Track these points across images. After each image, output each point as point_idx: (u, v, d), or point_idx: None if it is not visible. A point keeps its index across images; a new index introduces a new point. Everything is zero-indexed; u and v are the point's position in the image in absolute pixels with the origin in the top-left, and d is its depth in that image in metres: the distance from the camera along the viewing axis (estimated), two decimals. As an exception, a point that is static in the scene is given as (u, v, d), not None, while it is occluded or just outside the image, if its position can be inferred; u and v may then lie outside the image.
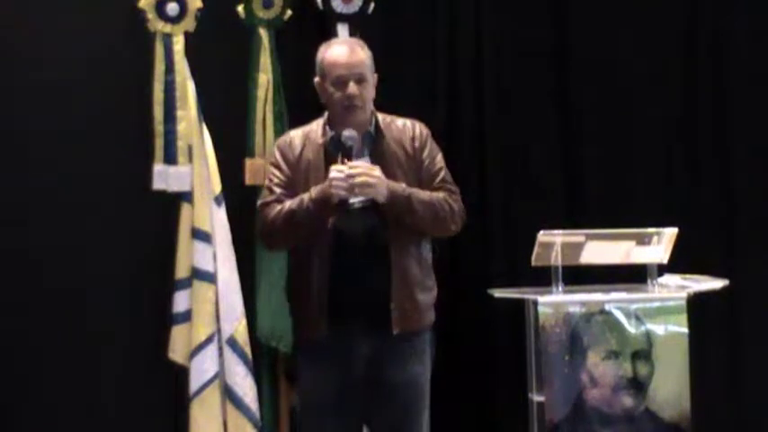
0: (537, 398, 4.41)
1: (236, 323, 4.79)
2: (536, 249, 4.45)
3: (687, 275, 4.67)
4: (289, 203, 3.70)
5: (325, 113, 3.86)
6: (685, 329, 4.41)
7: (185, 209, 4.80)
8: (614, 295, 4.43)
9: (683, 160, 5.41)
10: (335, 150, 3.72)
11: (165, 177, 4.81)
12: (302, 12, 5.06)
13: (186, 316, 4.75)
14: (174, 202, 4.81)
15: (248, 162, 4.93)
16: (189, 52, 4.86)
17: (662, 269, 4.64)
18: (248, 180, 4.92)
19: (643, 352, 4.37)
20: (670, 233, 4.56)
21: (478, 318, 5.08)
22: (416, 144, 3.82)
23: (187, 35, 4.87)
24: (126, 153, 4.86)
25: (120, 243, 4.85)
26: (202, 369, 4.71)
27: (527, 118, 5.32)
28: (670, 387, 4.39)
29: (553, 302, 4.36)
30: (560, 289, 4.44)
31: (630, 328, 4.38)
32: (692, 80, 5.44)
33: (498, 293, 4.57)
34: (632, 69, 5.38)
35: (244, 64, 4.95)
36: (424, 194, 3.73)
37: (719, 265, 5.17)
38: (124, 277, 4.85)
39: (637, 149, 5.38)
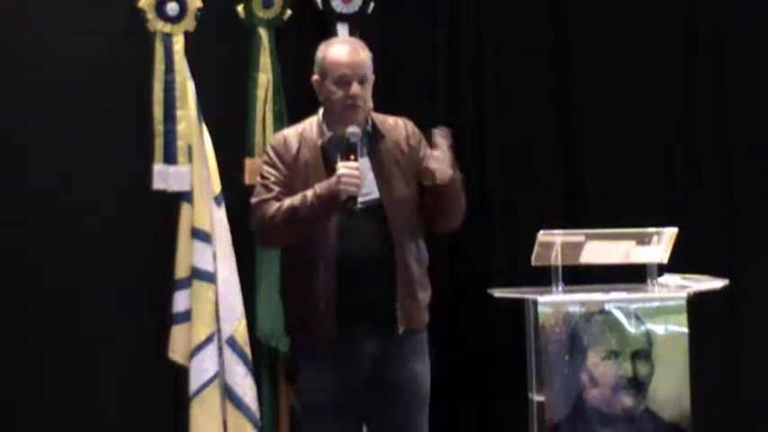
0: (537, 398, 4.41)
1: (236, 323, 4.80)
2: (536, 249, 4.45)
3: (687, 275, 4.67)
4: (289, 200, 3.69)
5: (320, 112, 3.85)
6: (685, 329, 4.42)
7: (185, 209, 4.81)
8: (614, 295, 4.43)
9: (683, 160, 5.41)
10: (336, 150, 3.72)
11: (165, 177, 4.81)
12: (302, 12, 5.06)
13: (186, 316, 4.75)
14: (174, 202, 4.82)
15: (248, 162, 4.93)
16: (189, 52, 4.86)
17: (662, 269, 4.64)
18: (248, 180, 4.92)
19: (643, 352, 4.38)
20: (670, 233, 4.56)
21: (478, 318, 5.07)
22: (412, 142, 3.82)
23: (187, 35, 4.87)
24: (126, 153, 4.86)
25: (120, 243, 4.85)
26: (202, 369, 4.72)
27: (527, 118, 5.32)
28: (670, 387, 4.39)
29: (553, 302, 4.36)
30: (560, 289, 4.44)
31: (630, 327, 4.38)
32: (692, 80, 5.44)
33: (498, 293, 4.57)
34: (632, 69, 5.38)
35: (244, 64, 4.95)
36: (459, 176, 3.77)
37: (719, 265, 5.17)
38: (124, 277, 4.85)
39: (637, 149, 5.38)
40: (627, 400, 4.36)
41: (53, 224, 4.80)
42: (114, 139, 4.86)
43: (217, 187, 4.85)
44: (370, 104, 3.84)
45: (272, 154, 3.81)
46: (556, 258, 4.44)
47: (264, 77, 4.95)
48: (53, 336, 4.77)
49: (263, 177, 3.80)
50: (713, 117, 5.44)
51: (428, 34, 5.27)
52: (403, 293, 3.71)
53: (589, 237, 4.51)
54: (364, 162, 3.69)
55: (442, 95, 5.25)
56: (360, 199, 3.64)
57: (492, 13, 5.28)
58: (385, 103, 3.98)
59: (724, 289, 4.69)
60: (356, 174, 3.59)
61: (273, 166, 3.78)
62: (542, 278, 4.49)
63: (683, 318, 4.42)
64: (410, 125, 3.87)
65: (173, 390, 4.78)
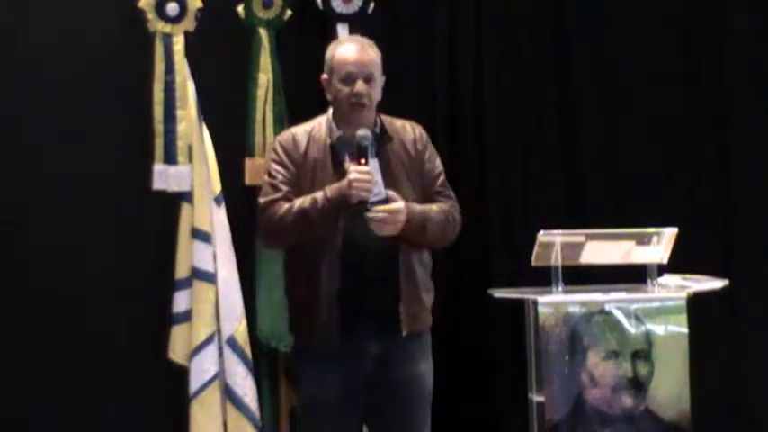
0: (537, 398, 4.41)
1: (236, 323, 4.80)
2: (536, 249, 4.45)
3: (687, 275, 4.66)
4: (299, 202, 3.67)
5: (329, 111, 3.85)
6: (685, 329, 4.41)
7: (185, 209, 4.81)
8: (614, 295, 4.43)
9: (683, 160, 5.41)
10: (344, 149, 3.71)
11: (165, 177, 4.81)
12: (302, 12, 5.06)
13: (186, 316, 4.76)
14: (174, 202, 4.82)
15: (248, 162, 4.93)
16: (189, 52, 4.86)
17: (662, 269, 4.64)
18: (248, 180, 4.92)
19: (643, 352, 4.37)
20: (670, 233, 4.56)
21: (478, 318, 5.07)
22: (419, 146, 3.82)
23: (187, 35, 4.87)
24: (126, 153, 4.86)
25: (120, 243, 4.85)
26: (202, 369, 4.72)
27: (527, 117, 5.32)
28: (670, 387, 4.38)
29: (553, 302, 4.35)
30: (560, 289, 4.43)
31: (630, 328, 4.38)
32: (693, 80, 5.44)
33: (498, 293, 4.57)
34: (632, 69, 5.38)
35: (244, 64, 4.95)
36: (434, 212, 3.73)
37: (719, 265, 5.17)
38: (124, 277, 4.85)
39: (637, 149, 5.38)
40: (627, 401, 4.35)
41: (53, 224, 4.80)
42: (114, 139, 4.86)
43: (217, 187, 4.85)
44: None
45: (280, 152, 3.80)
46: (556, 258, 4.44)
47: (264, 77, 4.95)
48: (53, 336, 4.77)
49: (270, 176, 3.79)
50: (713, 117, 5.44)
51: (428, 34, 5.26)
52: (407, 295, 3.71)
53: (589, 237, 4.51)
54: (373, 163, 3.68)
55: (442, 95, 5.25)
56: (377, 200, 3.64)
57: (492, 14, 5.28)
58: (385, 102, 3.98)
59: (724, 289, 4.68)
60: (368, 178, 3.59)
61: (282, 164, 3.78)
62: (542, 278, 4.49)
63: (683, 318, 4.41)
64: (418, 129, 3.87)
65: (173, 390, 4.78)
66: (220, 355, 4.77)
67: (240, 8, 4.97)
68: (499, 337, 5.16)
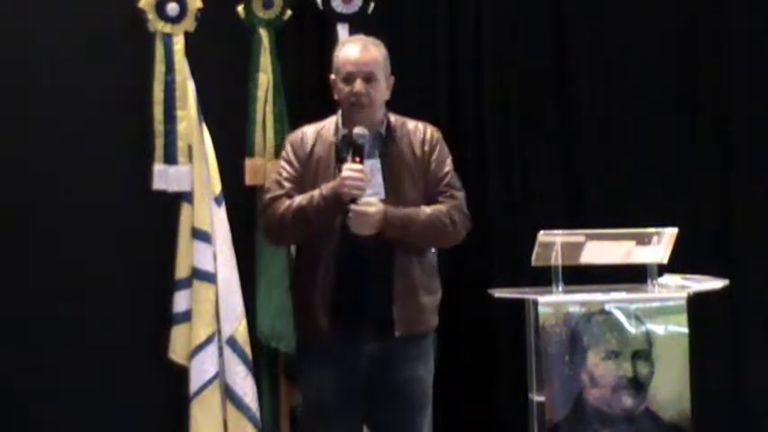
0: (537, 398, 4.41)
1: (236, 323, 4.80)
2: (536, 249, 4.45)
3: (687, 275, 4.66)
4: (299, 199, 3.70)
5: (339, 111, 3.86)
6: (685, 329, 4.41)
7: (185, 209, 4.81)
8: (614, 295, 4.43)
9: (683, 160, 5.41)
10: (345, 148, 3.72)
11: (165, 177, 4.81)
12: (302, 12, 5.06)
13: (186, 316, 4.75)
14: (174, 202, 4.82)
15: (248, 162, 4.93)
16: (189, 52, 4.86)
17: (662, 269, 4.64)
18: (248, 180, 4.92)
19: (643, 352, 4.37)
20: (670, 233, 4.56)
21: (478, 318, 5.07)
22: (426, 147, 3.81)
23: (187, 35, 4.87)
24: (126, 153, 4.86)
25: (120, 243, 4.85)
26: (202, 369, 4.72)
27: (527, 118, 5.32)
28: (670, 387, 4.38)
29: (553, 302, 4.35)
30: (560, 289, 4.44)
31: (630, 328, 4.38)
32: (693, 80, 5.44)
33: (498, 293, 4.57)
34: (632, 69, 5.38)
35: (244, 64, 4.95)
36: (424, 215, 3.72)
37: (719, 265, 5.17)
38: (124, 277, 4.85)
39: (637, 149, 5.38)
40: (627, 401, 4.35)
41: (53, 224, 4.80)
42: (114, 139, 4.86)
43: (217, 187, 4.85)
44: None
45: (288, 149, 3.84)
46: (556, 258, 4.44)
47: (264, 77, 4.95)
48: (53, 335, 4.77)
49: (278, 173, 3.83)
50: (713, 117, 5.44)
51: (428, 34, 5.26)
52: (402, 296, 3.70)
53: (589, 237, 4.51)
54: (374, 163, 3.69)
55: (441, 95, 5.25)
56: (370, 199, 3.64)
57: (492, 14, 5.28)
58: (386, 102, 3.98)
59: (724, 289, 4.68)
60: (360, 176, 3.59)
61: (288, 161, 3.81)
62: (542, 278, 4.49)
63: (683, 318, 4.41)
64: (430, 130, 3.86)
65: (173, 390, 4.78)
66: (220, 355, 4.77)
67: (240, 8, 4.97)
68: (499, 337, 5.16)
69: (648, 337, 4.38)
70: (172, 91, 4.83)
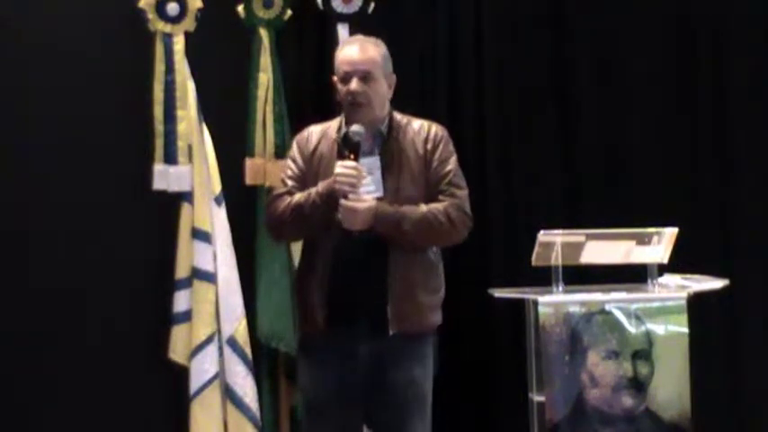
0: (537, 398, 4.41)
1: (236, 323, 4.80)
2: (536, 249, 4.45)
3: (687, 275, 4.66)
4: (298, 196, 3.73)
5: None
6: (685, 329, 4.41)
7: (185, 209, 4.81)
8: (614, 295, 4.42)
9: (683, 160, 5.41)
10: (344, 146, 3.73)
11: (165, 177, 4.82)
12: (302, 12, 5.07)
13: (186, 316, 4.76)
14: (175, 202, 4.82)
15: (248, 162, 4.93)
16: (189, 52, 4.86)
17: (662, 269, 4.64)
18: (248, 180, 4.93)
19: (643, 352, 4.37)
20: (670, 233, 4.56)
21: (478, 318, 5.07)
22: (429, 146, 3.81)
23: (187, 35, 4.88)
24: (126, 153, 4.86)
25: (120, 243, 4.85)
26: (202, 369, 4.73)
27: (527, 118, 5.32)
28: (670, 387, 4.38)
29: (553, 302, 4.35)
30: (560, 289, 4.43)
31: (631, 327, 4.38)
32: (692, 80, 5.44)
33: (498, 293, 4.56)
34: (632, 69, 5.38)
35: (244, 64, 4.96)
36: (418, 213, 3.71)
37: (719, 265, 5.17)
38: (124, 277, 4.85)
39: (637, 149, 5.38)
40: (627, 401, 4.35)
41: (53, 224, 4.80)
42: (114, 139, 4.86)
43: (217, 187, 4.85)
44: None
45: (294, 148, 3.88)
46: (556, 258, 4.43)
47: (265, 77, 4.95)
48: (53, 336, 4.77)
49: (283, 172, 3.87)
50: (713, 117, 5.44)
51: (428, 34, 5.26)
52: (397, 295, 3.69)
53: (589, 237, 4.51)
54: (373, 161, 3.69)
55: (441, 95, 5.25)
56: (365, 197, 3.64)
57: (492, 13, 5.28)
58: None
59: (724, 289, 4.68)
60: (353, 173, 3.60)
61: (293, 160, 3.84)
62: (542, 278, 4.48)
63: (683, 318, 4.41)
64: (434, 128, 3.85)
65: (173, 390, 4.78)
66: (220, 355, 4.77)
67: (240, 8, 4.97)
68: (499, 337, 5.15)
69: (648, 337, 4.38)
70: (172, 91, 4.83)
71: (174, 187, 4.82)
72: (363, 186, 3.65)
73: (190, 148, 4.83)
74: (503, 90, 5.29)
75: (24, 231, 4.77)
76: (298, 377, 3.93)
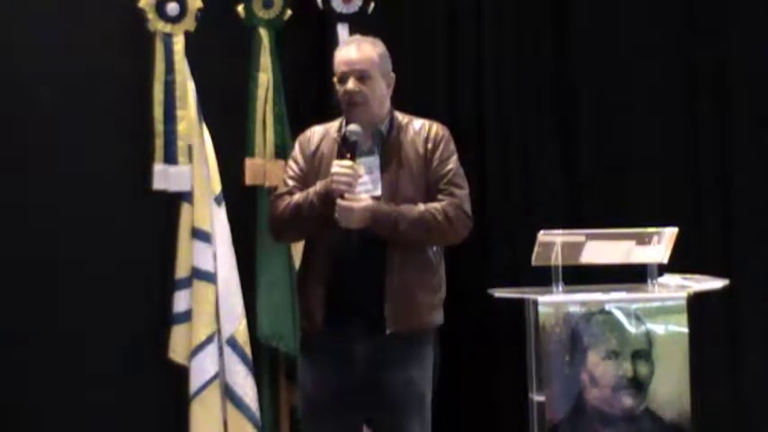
0: (537, 398, 4.41)
1: (236, 323, 4.80)
2: (536, 249, 4.45)
3: (687, 275, 4.66)
4: (297, 196, 3.73)
5: None
6: (685, 329, 4.41)
7: (185, 209, 4.81)
8: (614, 295, 4.43)
9: (683, 160, 5.41)
10: (342, 146, 3.73)
11: (165, 177, 4.82)
12: (302, 12, 5.06)
13: (186, 316, 4.76)
14: (175, 202, 4.82)
15: (248, 162, 4.93)
16: (189, 52, 4.86)
17: (662, 269, 4.64)
18: (248, 180, 4.93)
19: (643, 352, 4.37)
20: (670, 233, 4.56)
21: (478, 318, 5.07)
22: (429, 145, 3.80)
23: (187, 35, 4.88)
24: (126, 153, 4.86)
25: (120, 243, 4.85)
26: (202, 369, 4.73)
27: (527, 118, 5.32)
28: (670, 387, 4.38)
29: (553, 302, 4.35)
30: (560, 289, 4.44)
31: (630, 327, 4.38)
32: (693, 80, 5.44)
33: (498, 293, 4.57)
34: (632, 69, 5.38)
35: (244, 64, 4.96)
36: (416, 212, 3.70)
37: (719, 265, 5.17)
38: (124, 277, 4.85)
39: (637, 149, 5.38)
40: (627, 401, 4.35)
41: (53, 224, 4.80)
42: (114, 139, 4.86)
43: (217, 187, 4.85)
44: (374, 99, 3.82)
45: (296, 148, 3.88)
46: (556, 258, 4.44)
47: (265, 77, 4.96)
48: (53, 336, 4.77)
49: (285, 172, 3.87)
50: (713, 117, 5.44)
51: (428, 34, 5.26)
52: (394, 294, 3.68)
53: (589, 237, 4.51)
54: (372, 160, 3.68)
55: (441, 95, 5.25)
56: (362, 196, 3.64)
57: (492, 13, 5.28)
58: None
59: (724, 289, 4.68)
60: (348, 172, 3.60)
61: (295, 160, 3.85)
62: (542, 278, 4.49)
63: (683, 318, 4.42)
64: (435, 128, 3.83)
65: (173, 390, 4.78)
66: (220, 355, 4.78)
67: (240, 8, 4.97)
68: (499, 337, 5.15)
69: (648, 336, 4.39)
70: (172, 91, 4.83)
71: (173, 187, 4.82)
72: (361, 185, 3.65)
73: (190, 148, 4.83)
74: (502, 90, 5.29)
75: (24, 231, 4.77)
76: (298, 377, 3.93)
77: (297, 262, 4.35)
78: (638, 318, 4.38)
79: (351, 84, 3.72)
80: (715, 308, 5.15)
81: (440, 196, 3.75)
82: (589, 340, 4.35)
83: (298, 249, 4.28)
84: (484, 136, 5.25)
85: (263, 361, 4.92)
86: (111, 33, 4.88)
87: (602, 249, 4.53)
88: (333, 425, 3.76)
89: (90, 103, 4.84)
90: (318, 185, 3.68)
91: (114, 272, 4.84)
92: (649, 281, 4.58)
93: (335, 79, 3.79)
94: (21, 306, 4.75)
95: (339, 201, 3.61)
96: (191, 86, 4.85)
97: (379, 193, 3.69)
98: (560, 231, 4.49)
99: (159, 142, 4.82)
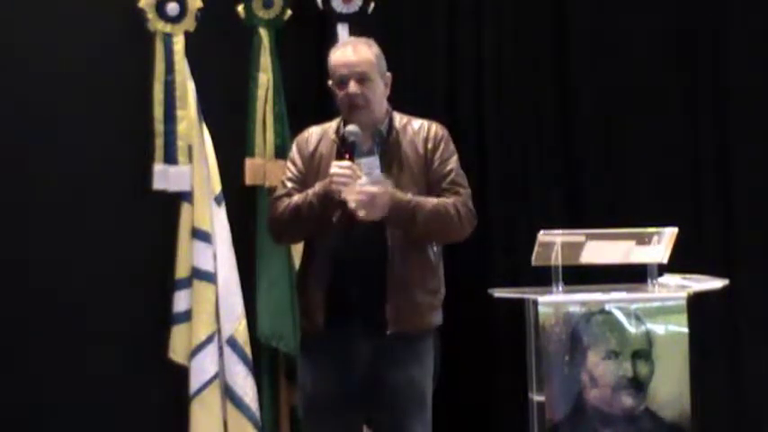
0: (537, 398, 4.41)
1: (236, 323, 4.80)
2: (536, 249, 4.45)
3: (687, 275, 4.67)
4: (296, 198, 3.72)
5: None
6: (685, 329, 4.42)
7: (185, 209, 4.81)
8: (614, 295, 4.43)
9: (683, 160, 5.41)
10: (341, 147, 3.73)
11: (165, 177, 4.82)
12: (302, 12, 5.07)
13: (186, 316, 4.76)
14: (175, 202, 4.82)
15: (248, 162, 4.94)
16: (189, 52, 4.86)
17: (662, 269, 4.64)
18: (248, 180, 4.93)
19: (643, 352, 4.37)
20: (670, 233, 4.56)
21: (478, 318, 5.07)
22: (429, 145, 3.79)
23: (187, 35, 4.88)
24: (126, 153, 4.86)
25: (120, 243, 4.85)
26: (202, 369, 4.73)
27: (527, 117, 5.32)
28: (670, 387, 4.39)
29: (553, 302, 4.36)
30: (560, 289, 4.44)
31: (630, 327, 4.38)
32: (692, 80, 5.44)
33: (498, 293, 4.57)
34: (633, 69, 5.38)
35: (244, 64, 4.96)
36: (430, 204, 3.70)
37: (719, 265, 5.17)
38: (124, 277, 4.85)
39: (637, 149, 5.38)
40: (627, 400, 4.35)
41: (53, 224, 4.80)
42: (114, 139, 4.86)
43: (217, 187, 4.85)
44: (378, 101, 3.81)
45: (294, 149, 3.87)
46: (556, 258, 4.44)
47: (265, 77, 4.96)
48: (53, 336, 4.77)
49: (283, 174, 3.86)
50: (713, 117, 5.44)
51: (428, 34, 5.27)
52: (395, 294, 3.68)
53: (589, 237, 4.51)
54: (372, 160, 3.67)
55: (441, 95, 5.25)
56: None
57: (492, 13, 5.28)
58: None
59: (724, 289, 4.68)
60: (348, 173, 3.59)
61: (293, 161, 3.84)
62: (542, 278, 4.49)
63: (683, 318, 4.42)
64: (434, 128, 3.83)
65: (173, 390, 4.78)
66: (220, 355, 4.78)
67: (240, 8, 4.97)
68: (499, 337, 5.16)
69: (648, 336, 4.39)
70: (172, 91, 4.84)
71: (173, 187, 4.82)
72: (360, 186, 3.64)
73: (190, 148, 4.83)
74: (502, 90, 5.29)
75: (24, 231, 4.77)
76: (298, 377, 3.93)
77: (297, 262, 4.35)
78: (638, 318, 4.38)
79: (353, 87, 3.71)
80: (715, 308, 5.15)
81: (445, 195, 3.75)
82: (589, 340, 4.35)
83: (298, 249, 4.28)
84: (484, 136, 5.25)
85: (263, 361, 4.92)
86: (111, 33, 4.88)
87: (602, 249, 4.53)
88: (333, 425, 3.76)
89: (90, 103, 4.84)
90: (317, 186, 3.67)
91: (114, 272, 4.84)
92: (649, 281, 4.58)
93: (332, 82, 3.78)
94: (21, 306, 4.74)
95: (358, 187, 3.57)
96: (191, 86, 4.85)
97: None
98: (560, 231, 4.49)
99: (159, 142, 4.83)
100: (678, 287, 4.55)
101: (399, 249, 3.70)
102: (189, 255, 4.78)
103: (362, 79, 3.72)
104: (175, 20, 4.86)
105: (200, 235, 4.78)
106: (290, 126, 4.90)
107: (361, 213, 3.58)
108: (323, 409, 3.74)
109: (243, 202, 4.92)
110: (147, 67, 4.83)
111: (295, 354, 4.58)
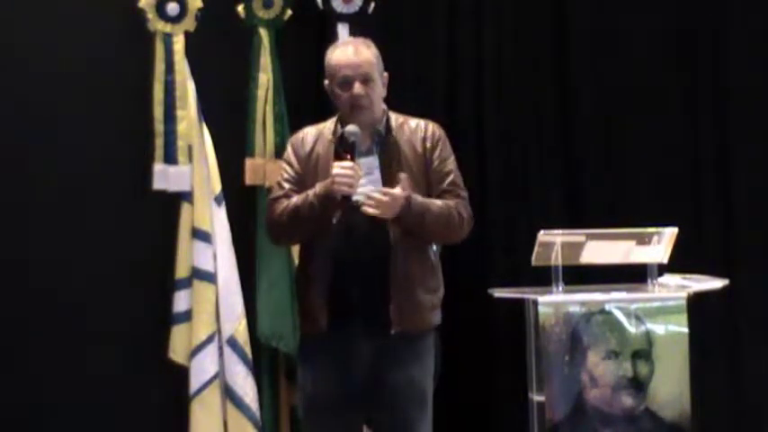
0: (537, 398, 4.41)
1: (236, 323, 4.80)
2: (536, 249, 4.45)
3: (687, 275, 4.67)
4: (295, 199, 3.71)
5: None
6: (685, 329, 4.42)
7: (185, 209, 4.81)
8: (614, 295, 4.43)
9: (683, 160, 5.41)
10: (341, 147, 3.72)
11: (165, 177, 4.82)
12: (302, 12, 5.06)
13: (186, 316, 4.76)
14: (175, 202, 4.82)
15: (248, 162, 4.93)
16: (189, 52, 4.86)
17: (662, 269, 4.64)
18: (248, 180, 4.93)
19: (643, 352, 4.38)
20: (670, 233, 4.56)
21: (478, 318, 5.07)
22: (428, 144, 3.80)
23: (187, 35, 4.88)
24: (126, 153, 4.86)
25: (120, 243, 4.85)
26: (202, 369, 4.73)
27: (527, 117, 5.32)
28: (670, 387, 4.39)
29: (553, 302, 4.36)
30: (560, 289, 4.44)
31: (630, 327, 4.38)
32: (692, 80, 5.44)
33: (498, 293, 4.57)
34: (633, 69, 5.38)
35: (244, 64, 4.96)
36: (437, 206, 3.70)
37: (719, 265, 5.17)
38: (124, 277, 4.85)
39: (637, 149, 5.38)
40: (627, 400, 4.36)
41: (53, 224, 4.80)
42: (114, 139, 4.86)
43: (217, 187, 4.85)
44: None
45: (289, 150, 3.85)
46: (556, 258, 4.44)
47: (265, 77, 4.96)
48: (53, 336, 4.77)
49: (279, 175, 3.85)
50: (713, 117, 5.44)
51: (428, 34, 5.27)
52: (398, 294, 3.68)
53: (589, 237, 4.51)
54: (372, 161, 3.68)
55: (441, 95, 5.25)
56: (362, 197, 3.63)
57: (492, 13, 5.28)
58: (385, 102, 3.98)
59: (724, 289, 4.68)
60: (350, 173, 3.59)
61: (289, 162, 3.83)
62: (542, 278, 4.49)
63: (683, 318, 4.42)
64: (432, 128, 3.83)
65: (173, 390, 4.78)
66: (220, 355, 4.78)
67: (240, 8, 4.97)
68: (499, 337, 5.16)
69: (648, 336, 4.39)
70: (172, 91, 4.84)
71: (173, 187, 4.82)
72: (361, 187, 3.65)
73: (190, 148, 4.83)
74: (503, 90, 5.29)
75: (24, 231, 4.77)
76: (298, 377, 3.93)
77: (297, 262, 4.35)
78: (638, 318, 4.39)
79: (357, 87, 3.70)
80: (715, 308, 5.15)
81: (447, 196, 3.76)
82: (589, 340, 4.35)
83: (298, 249, 4.27)
84: (483, 136, 5.25)
85: (263, 361, 4.92)
86: (111, 33, 4.88)
87: (602, 249, 4.53)
88: (333, 425, 3.76)
89: (90, 103, 4.84)
90: (318, 187, 3.66)
91: (114, 272, 4.84)
92: (649, 281, 4.59)
93: (333, 83, 3.76)
94: (21, 306, 4.74)
95: (373, 193, 3.57)
96: (191, 86, 4.85)
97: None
98: (560, 231, 4.49)
99: (159, 142, 4.82)
100: (678, 287, 4.55)
101: (401, 249, 3.70)
102: (189, 255, 4.78)
103: (366, 80, 3.73)
104: (175, 20, 4.86)
105: (201, 235, 4.78)
106: (290, 126, 4.90)
107: (375, 212, 3.59)
108: (323, 410, 3.74)
109: (243, 202, 4.92)
110: (147, 67, 4.82)
111: (295, 354, 4.58)
